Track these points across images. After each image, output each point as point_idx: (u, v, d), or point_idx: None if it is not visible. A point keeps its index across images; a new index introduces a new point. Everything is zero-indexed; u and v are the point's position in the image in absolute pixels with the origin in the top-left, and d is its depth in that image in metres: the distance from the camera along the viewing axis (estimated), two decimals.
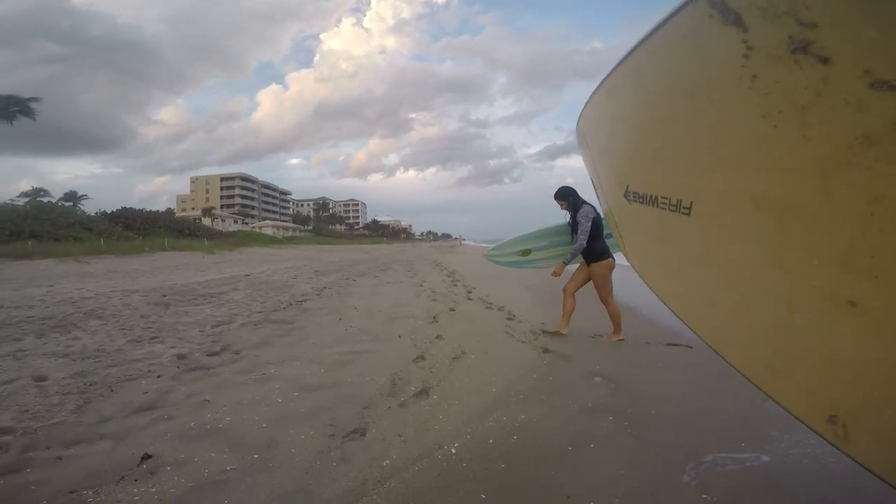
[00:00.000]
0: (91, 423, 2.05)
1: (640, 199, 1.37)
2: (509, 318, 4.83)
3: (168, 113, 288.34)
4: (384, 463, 1.75)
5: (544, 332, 4.18)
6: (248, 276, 9.65)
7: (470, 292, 7.51)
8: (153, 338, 3.69)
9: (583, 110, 1.87)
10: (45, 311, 4.73)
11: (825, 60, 0.66)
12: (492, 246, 5.41)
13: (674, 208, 1.14)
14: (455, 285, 8.58)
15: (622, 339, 3.92)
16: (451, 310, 5.44)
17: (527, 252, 4.53)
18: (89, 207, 36.98)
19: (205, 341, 3.66)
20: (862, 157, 0.65)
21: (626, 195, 1.49)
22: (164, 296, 6.12)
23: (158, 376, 2.73)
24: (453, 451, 1.85)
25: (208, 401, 2.31)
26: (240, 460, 1.74)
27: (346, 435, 1.95)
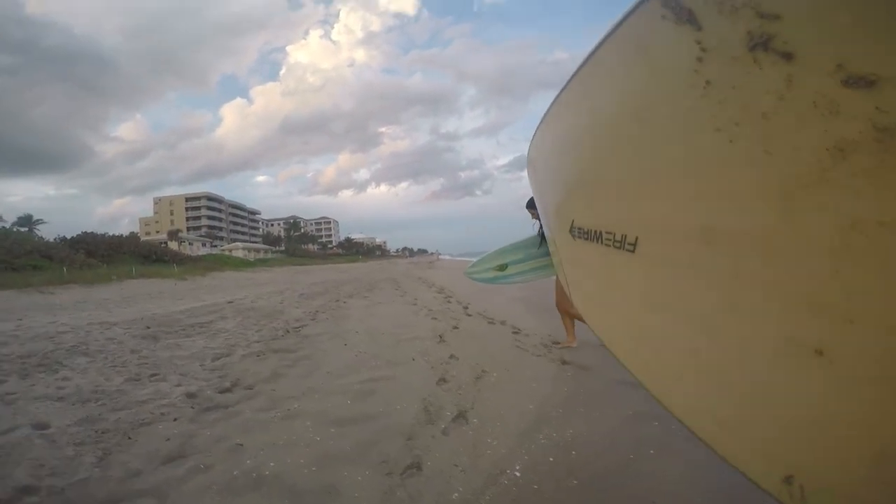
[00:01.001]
0: (120, 477, 1.84)
1: (585, 235, 1.25)
2: (515, 332, 4.78)
3: (126, 129, 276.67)
4: (453, 496, 1.68)
5: (554, 343, 4.13)
6: (230, 302, 9.26)
7: (466, 308, 7.43)
8: (153, 375, 3.42)
9: (531, 139, 1.74)
10: (21, 349, 4.33)
11: (789, 56, 0.57)
12: (471, 262, 5.28)
13: (618, 244, 1.03)
14: (449, 302, 8.50)
15: (571, 346, 3.96)
16: (455, 328, 5.40)
17: (503, 267, 4.43)
18: (46, 232, 35.18)
19: (211, 377, 3.43)
20: (834, 172, 0.54)
21: (571, 230, 1.37)
22: (149, 327, 5.76)
23: (175, 419, 2.52)
24: (517, 474, 1.80)
25: (241, 445, 2.15)
26: None
27: (403, 471, 1.86)
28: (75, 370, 3.56)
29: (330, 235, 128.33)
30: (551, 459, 1.89)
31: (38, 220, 41.67)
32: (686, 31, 0.69)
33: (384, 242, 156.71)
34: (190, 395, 2.93)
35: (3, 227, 32.65)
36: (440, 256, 59.21)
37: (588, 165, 1.22)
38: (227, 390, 3.06)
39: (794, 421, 0.66)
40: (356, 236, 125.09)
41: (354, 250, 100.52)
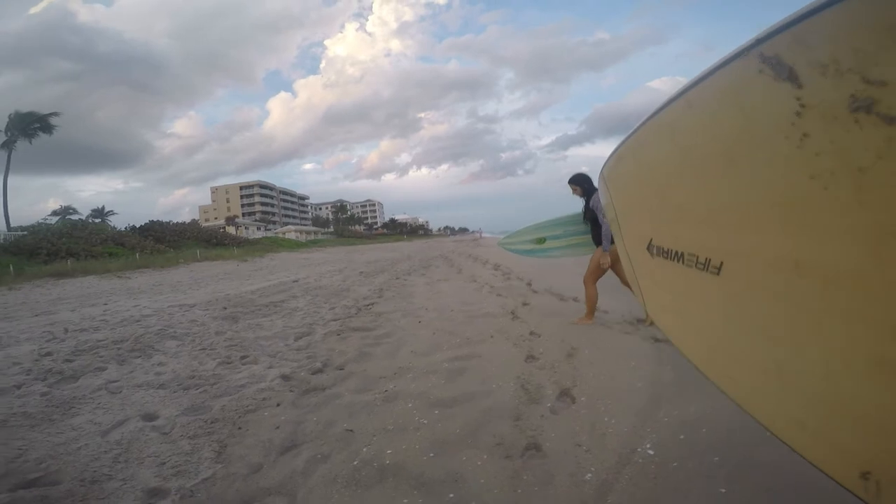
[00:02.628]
0: (244, 474, 1.73)
1: (665, 254, 1.32)
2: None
3: (182, 125, 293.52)
4: (587, 477, 1.60)
5: (639, 321, 3.90)
6: (296, 282, 9.36)
7: (530, 284, 7.21)
8: (244, 357, 3.35)
9: (609, 158, 1.82)
10: (113, 333, 4.43)
11: (891, 120, 0.60)
12: (506, 234, 5.34)
13: (701, 266, 1.10)
14: (508, 279, 8.26)
15: (591, 324, 3.91)
16: (525, 304, 5.23)
17: (542, 241, 4.47)
18: (116, 222, 37.60)
19: (299, 357, 3.36)
20: None
21: (648, 248, 1.45)
22: (226, 308, 5.82)
23: (278, 404, 2.43)
24: (651, 452, 1.72)
25: (351, 431, 2.05)
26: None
27: (523, 453, 1.78)
28: (167, 354, 3.55)
29: (375, 217, 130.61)
30: (682, 437, 1.80)
31: (109, 212, 44.72)
32: (786, 87, 0.73)
33: (426, 222, 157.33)
34: (285, 378, 2.84)
35: (80, 218, 35.24)
36: (483, 234, 58.53)
37: (672, 192, 1.28)
38: (320, 371, 2.99)
39: (871, 425, 0.72)
40: (400, 217, 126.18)
41: (398, 230, 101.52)
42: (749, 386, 1.06)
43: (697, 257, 1.12)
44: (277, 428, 2.13)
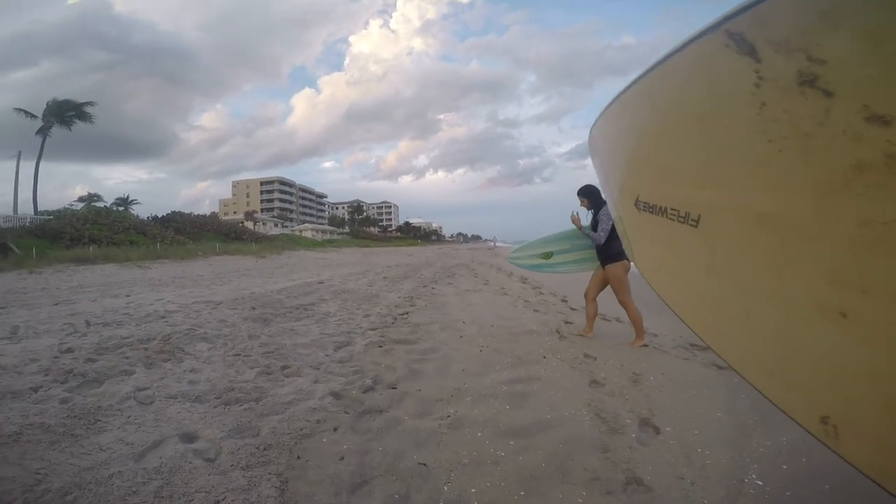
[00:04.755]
0: None
1: (650, 210, 1.39)
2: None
3: (209, 118, 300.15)
4: None
5: (692, 345, 3.81)
6: (321, 283, 9.08)
7: (565, 301, 6.94)
8: (284, 368, 3.04)
9: (596, 120, 1.90)
10: (138, 331, 4.14)
11: (829, 94, 0.71)
12: (515, 247, 5.39)
13: (682, 220, 1.18)
14: (541, 293, 7.98)
15: (646, 345, 3.79)
16: (568, 322, 5.05)
17: (548, 255, 4.47)
18: (139, 211, 37.95)
19: (345, 371, 3.05)
20: (855, 183, 0.70)
21: (636, 204, 1.51)
22: (254, 308, 5.53)
23: (335, 429, 2.13)
24: (759, 482, 1.68)
25: (424, 465, 1.83)
26: None
27: (625, 488, 1.68)
28: (199, 359, 3.24)
29: (390, 219, 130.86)
30: (785, 467, 1.78)
31: (133, 201, 45.18)
32: (746, 61, 0.84)
33: (440, 227, 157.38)
34: (335, 395, 2.54)
35: (105, 206, 35.73)
36: (497, 244, 58.18)
37: (654, 152, 1.39)
38: (371, 389, 2.70)
39: (827, 370, 0.82)
40: (414, 220, 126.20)
41: (412, 234, 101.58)
42: (725, 334, 1.14)
43: (678, 211, 1.19)
44: (342, 459, 1.84)
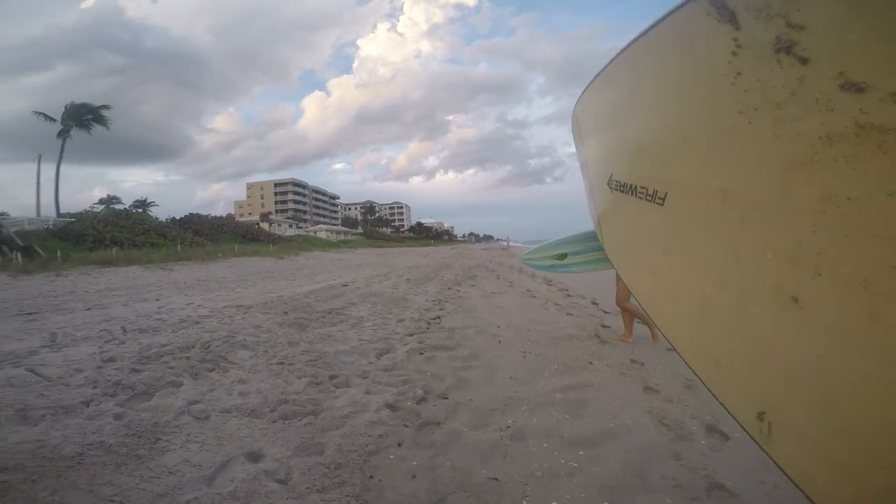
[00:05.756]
0: None
1: (621, 188, 1.36)
2: None
3: (221, 121, 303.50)
4: None
5: None
6: (345, 286, 9.04)
7: (596, 304, 6.82)
8: (332, 377, 2.98)
9: (579, 98, 1.84)
10: (176, 338, 4.11)
11: (805, 61, 0.68)
12: (528, 248, 5.43)
13: (650, 198, 1.15)
14: (569, 295, 7.84)
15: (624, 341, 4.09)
16: (605, 326, 5.00)
17: (563, 256, 4.50)
18: (156, 213, 38.46)
19: (392, 380, 2.99)
20: (822, 155, 0.67)
21: (609, 183, 1.48)
22: (286, 313, 5.49)
23: (399, 444, 2.07)
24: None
25: (496, 479, 1.79)
26: None
27: (709, 493, 1.67)
28: (244, 368, 3.19)
29: (402, 219, 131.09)
30: None
31: (150, 203, 45.74)
32: (726, 29, 0.81)
33: (452, 227, 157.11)
34: (391, 407, 2.49)
35: (124, 208, 36.32)
36: (511, 243, 57.93)
37: (630, 128, 1.33)
38: (423, 399, 2.65)
39: (771, 361, 0.78)
40: (426, 221, 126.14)
41: (424, 234, 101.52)
42: (679, 321, 1.10)
43: (647, 189, 1.16)
44: (414, 477, 1.79)
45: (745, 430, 0.82)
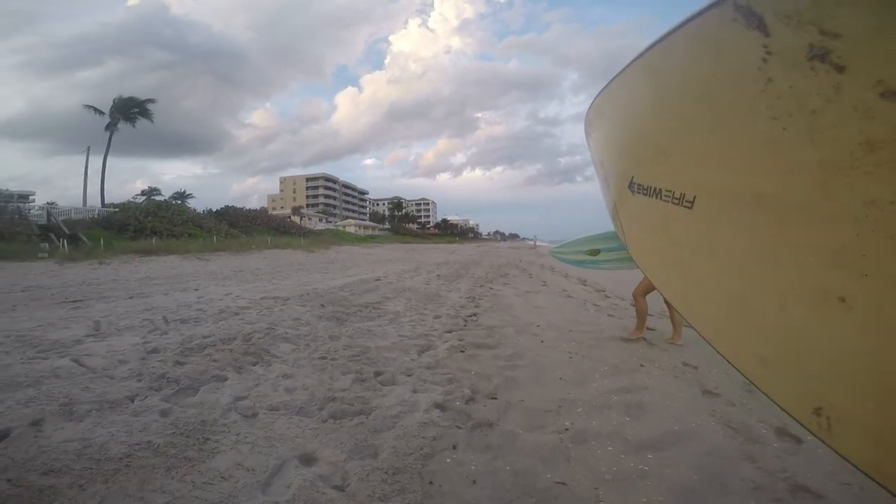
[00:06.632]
0: None
1: (644, 191, 1.36)
2: None
3: (258, 116, 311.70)
4: None
5: None
6: (378, 280, 9.04)
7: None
8: (378, 374, 2.92)
9: (593, 101, 1.84)
10: (217, 329, 4.11)
11: (841, 69, 0.67)
12: (557, 244, 5.48)
13: (677, 201, 1.14)
14: (607, 296, 7.58)
15: (643, 339, 4.13)
16: (650, 328, 4.75)
17: (595, 252, 4.52)
18: (194, 205, 39.73)
19: (437, 378, 2.90)
20: (863, 161, 0.67)
21: (630, 186, 1.49)
22: (323, 306, 5.49)
23: (454, 446, 1.98)
24: None
25: (564, 483, 1.73)
26: None
27: (794, 496, 1.63)
28: (287, 362, 3.15)
29: (428, 216, 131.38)
30: None
31: (189, 195, 47.36)
32: (754, 35, 0.80)
33: (477, 225, 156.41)
34: (440, 407, 2.40)
35: (164, 199, 37.67)
36: (538, 242, 57.10)
37: (652, 131, 1.34)
38: (472, 399, 2.55)
39: (822, 359, 0.78)
40: (452, 218, 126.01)
41: (450, 231, 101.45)
42: (717, 321, 1.12)
43: (673, 192, 1.16)
44: (475, 483, 1.70)
45: (802, 425, 0.82)
